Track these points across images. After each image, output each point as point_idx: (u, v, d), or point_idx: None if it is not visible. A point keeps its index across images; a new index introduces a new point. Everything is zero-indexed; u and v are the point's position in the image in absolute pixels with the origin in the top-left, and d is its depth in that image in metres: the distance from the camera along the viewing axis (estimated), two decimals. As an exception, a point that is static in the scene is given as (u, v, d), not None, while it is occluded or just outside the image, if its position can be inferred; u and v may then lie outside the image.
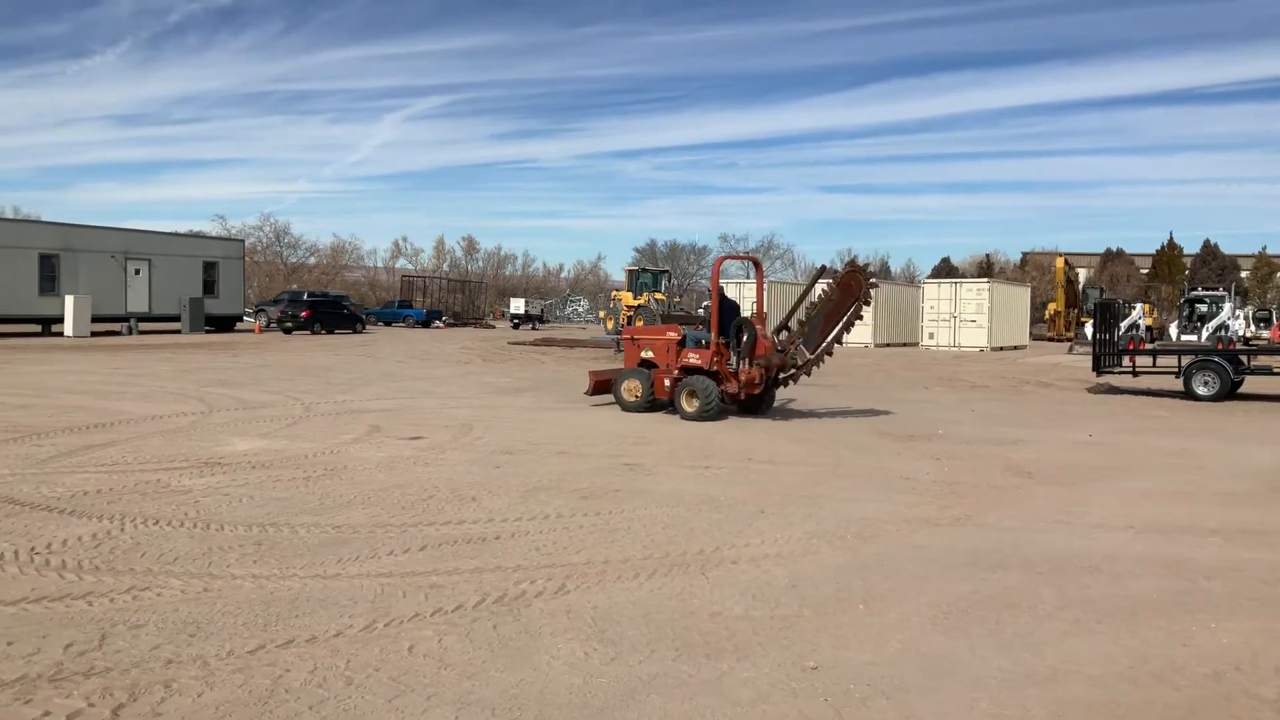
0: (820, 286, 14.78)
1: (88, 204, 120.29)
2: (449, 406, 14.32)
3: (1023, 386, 20.83)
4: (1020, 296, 42.13)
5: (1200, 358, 18.26)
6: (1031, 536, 6.97)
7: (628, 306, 42.13)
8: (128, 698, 3.89)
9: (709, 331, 13.92)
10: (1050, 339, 48.35)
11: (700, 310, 51.94)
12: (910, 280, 77.63)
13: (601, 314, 50.13)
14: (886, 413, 14.74)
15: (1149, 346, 21.77)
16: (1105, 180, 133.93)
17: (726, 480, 8.89)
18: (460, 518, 7.15)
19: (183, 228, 58.13)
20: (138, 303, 37.29)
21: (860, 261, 13.96)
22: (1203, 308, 33.54)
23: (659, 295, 42.19)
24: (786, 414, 14.33)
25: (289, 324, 39.86)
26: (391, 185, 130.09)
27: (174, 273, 38.58)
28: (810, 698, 4.05)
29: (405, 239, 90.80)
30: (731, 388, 13.44)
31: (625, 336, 15.22)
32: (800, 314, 14.01)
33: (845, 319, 13.49)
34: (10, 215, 63.40)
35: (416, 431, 11.59)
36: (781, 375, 13.84)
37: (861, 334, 38.37)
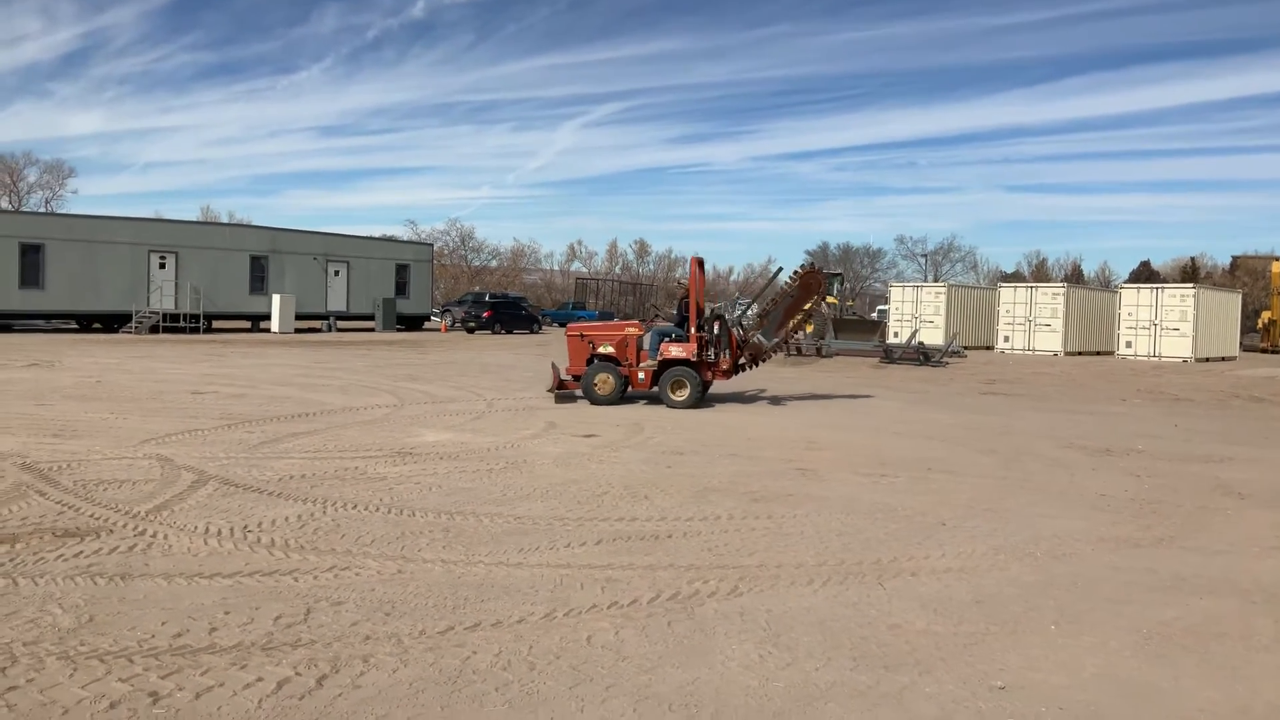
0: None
1: (293, 209, 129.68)
2: (620, 405, 14.56)
3: (1232, 400, 19.23)
4: (1230, 304, 38.89)
5: None
6: (1244, 562, 6.42)
7: (799, 310, 41.68)
8: (330, 669, 4.16)
9: (721, 327, 14.94)
10: (1264, 350, 44.45)
11: (874, 315, 50.73)
12: (1105, 285, 73.17)
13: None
14: (1069, 415, 13.94)
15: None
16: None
17: (904, 489, 8.63)
18: (634, 514, 7.26)
19: (377, 232, 61.78)
20: (336, 302, 39.87)
21: (815, 264, 16.10)
22: None
23: (831, 299, 41.48)
24: (969, 423, 13.80)
25: (472, 324, 41.63)
26: (569, 190, 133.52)
27: (369, 274, 41.03)
28: (998, 719, 3.88)
29: (580, 242, 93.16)
30: (707, 376, 14.79)
31: (573, 334, 15.31)
32: (756, 308, 15.89)
33: (803, 313, 15.46)
34: (226, 220, 69.18)
35: (590, 429, 11.85)
36: (741, 362, 15.30)
37: (1049, 341, 36.56)
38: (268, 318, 36.27)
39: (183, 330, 33.55)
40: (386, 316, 40.27)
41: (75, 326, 33.72)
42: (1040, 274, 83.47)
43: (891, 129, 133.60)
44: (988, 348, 38.73)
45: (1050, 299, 37.32)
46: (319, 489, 7.82)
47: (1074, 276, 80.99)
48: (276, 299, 36.02)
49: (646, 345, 14.95)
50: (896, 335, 36.41)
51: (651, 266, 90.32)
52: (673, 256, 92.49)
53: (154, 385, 15.57)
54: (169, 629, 4.57)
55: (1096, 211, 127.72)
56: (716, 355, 14.81)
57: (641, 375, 14.69)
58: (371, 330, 39.61)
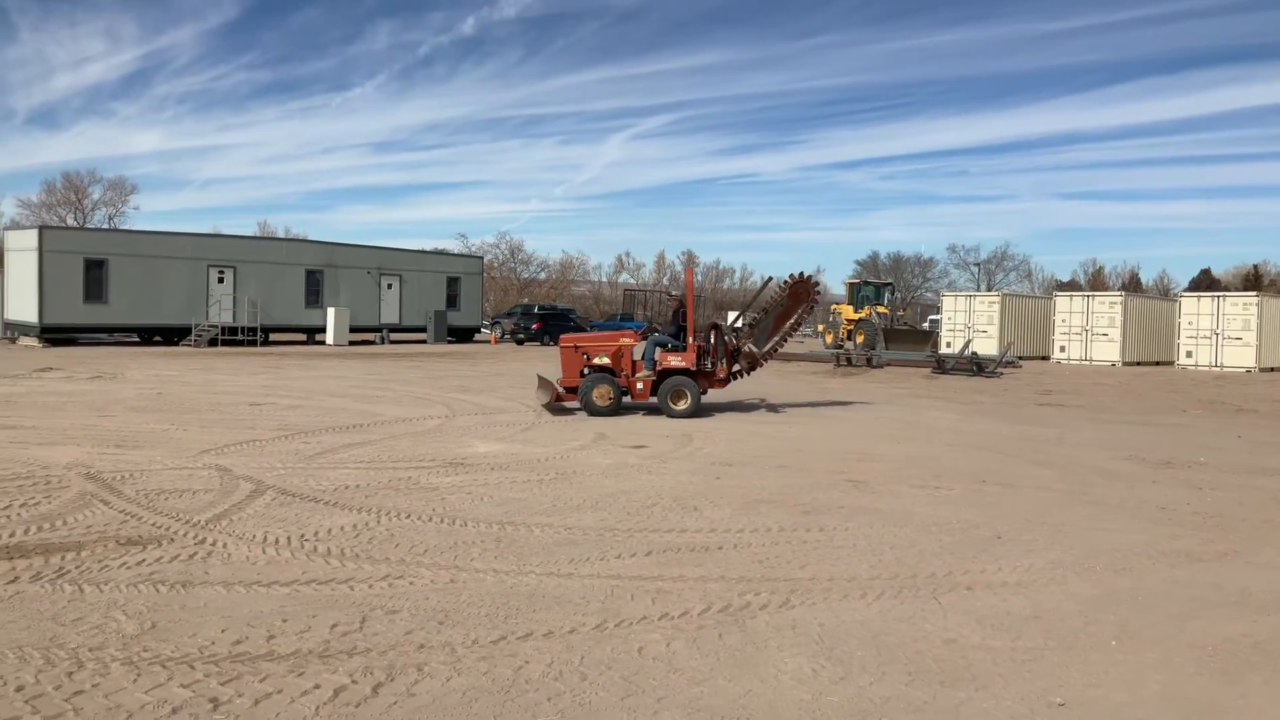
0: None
1: (347, 224, 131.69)
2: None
3: (1300, 412, 18.65)
4: (1295, 312, 37.75)
5: None
6: (1316, 579, 6.22)
7: (847, 320, 41.31)
8: (385, 677, 4.21)
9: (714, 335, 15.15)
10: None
11: (925, 324, 50.15)
12: (1164, 293, 71.56)
13: (820, 327, 49.45)
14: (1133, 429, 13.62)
15: None
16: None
17: (959, 501, 8.51)
18: (683, 526, 7.25)
19: (429, 245, 62.56)
20: (389, 315, 40.40)
21: (805, 274, 15.95)
22: None
23: (881, 309, 41.10)
24: (1025, 434, 13.57)
25: (521, 335, 41.90)
26: (616, 203, 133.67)
27: (421, 287, 41.53)
28: (1057, 736, 3.80)
29: (628, 254, 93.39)
30: (704, 385, 14.95)
31: (567, 345, 15.24)
32: (747, 317, 16.30)
33: (793, 321, 15.74)
34: (282, 235, 70.57)
35: (639, 440, 11.86)
36: (735, 370, 15.50)
37: (1107, 351, 35.80)
38: (323, 330, 36.86)
39: (240, 343, 34.23)
40: (438, 329, 40.73)
41: (137, 340, 34.57)
42: (1096, 282, 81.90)
43: (942, 137, 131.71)
44: (1043, 358, 38.07)
45: (1107, 308, 36.57)
46: (373, 499, 7.93)
47: (1131, 285, 79.36)
48: (331, 312, 36.60)
49: (638, 355, 14.97)
50: (949, 345, 35.94)
51: (700, 278, 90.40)
52: (720, 267, 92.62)
53: (213, 397, 15.91)
54: (228, 636, 4.66)
55: (1154, 218, 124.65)
56: (713, 365, 15.02)
57: (640, 385, 14.74)
58: (423, 342, 40.07)
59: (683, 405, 14.45)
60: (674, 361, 14.70)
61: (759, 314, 16.11)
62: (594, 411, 14.36)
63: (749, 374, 15.89)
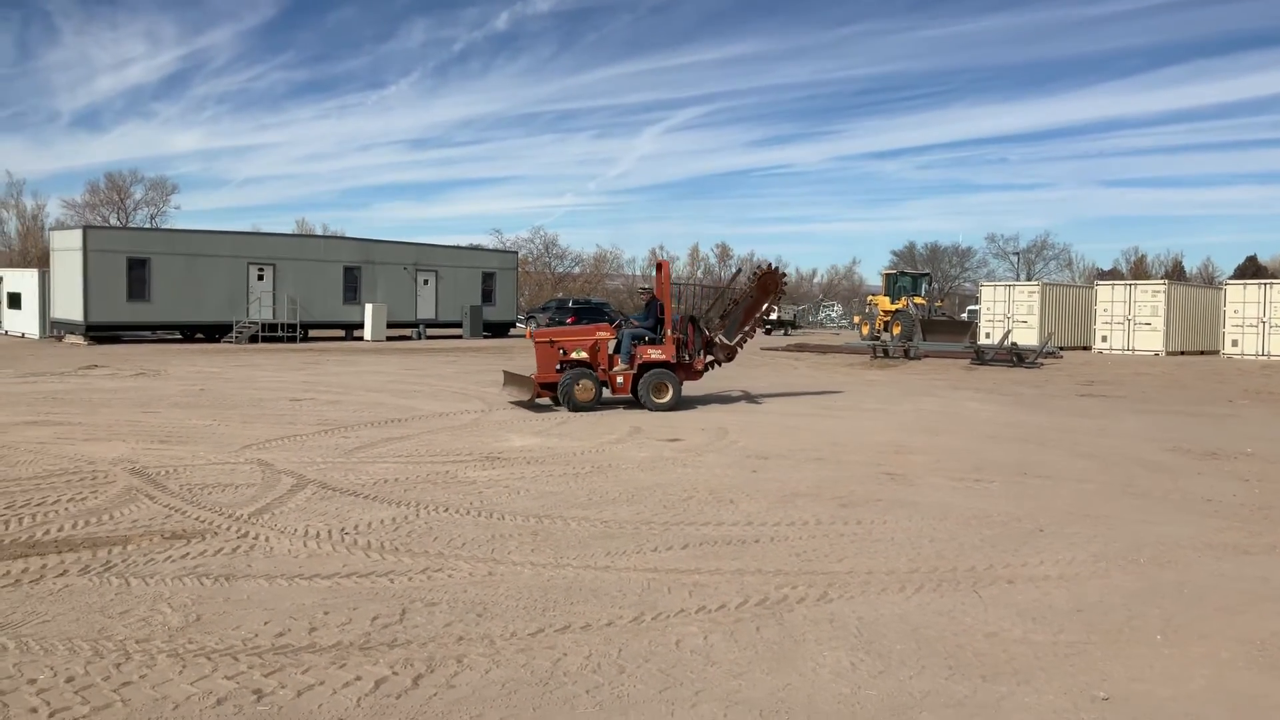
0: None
1: (384, 221, 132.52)
2: (704, 410, 14.54)
3: (1351, 401, 18.21)
4: (1347, 299, 36.80)
5: None
6: (1369, 572, 6.08)
7: (884, 311, 40.96)
8: (425, 669, 4.25)
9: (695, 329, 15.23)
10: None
11: (964, 315, 49.60)
12: (1209, 281, 70.19)
13: (856, 319, 49.11)
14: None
15: None
16: None
17: (999, 494, 8.41)
18: (719, 519, 7.23)
19: (464, 241, 62.81)
20: (426, 310, 40.68)
21: (774, 265, 16.20)
22: None
23: (919, 299, 40.68)
24: (1066, 425, 13.39)
25: (556, 330, 41.98)
26: (650, 196, 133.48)
27: (457, 283, 41.76)
28: (1101, 731, 3.75)
29: (662, 247, 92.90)
30: (681, 376, 14.95)
31: (542, 339, 15.02)
32: (717, 309, 15.99)
33: (762, 313, 16.01)
34: (320, 232, 71.30)
35: (674, 434, 11.86)
36: (710, 360, 15.62)
37: (1150, 341, 35.19)
38: (361, 326, 37.23)
39: (280, 339, 34.66)
40: (474, 324, 40.95)
41: (179, 337, 35.12)
42: (1139, 271, 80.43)
43: (980, 125, 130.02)
44: (1084, 348, 37.51)
45: (1150, 297, 35.93)
46: (412, 493, 8.00)
47: (1175, 273, 77.84)
48: (369, 308, 36.95)
49: (612, 349, 14.87)
50: (988, 336, 35.53)
51: (734, 270, 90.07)
52: (755, 259, 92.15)
53: (254, 393, 16.13)
54: (271, 628, 4.72)
55: (1198, 205, 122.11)
56: (691, 357, 15.12)
57: (620, 379, 14.66)
58: (459, 337, 40.32)
59: (664, 398, 14.42)
60: (653, 354, 14.70)
61: (729, 306, 16.14)
62: (575, 407, 14.19)
63: (720, 365, 15.93)
